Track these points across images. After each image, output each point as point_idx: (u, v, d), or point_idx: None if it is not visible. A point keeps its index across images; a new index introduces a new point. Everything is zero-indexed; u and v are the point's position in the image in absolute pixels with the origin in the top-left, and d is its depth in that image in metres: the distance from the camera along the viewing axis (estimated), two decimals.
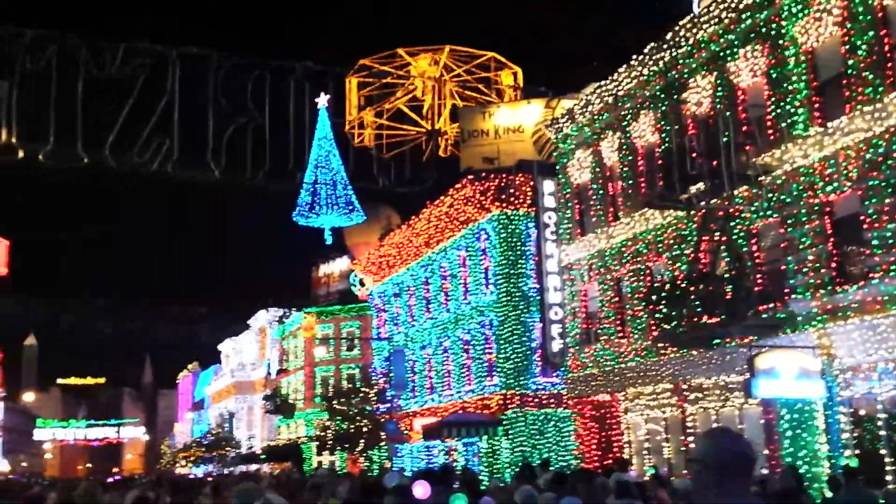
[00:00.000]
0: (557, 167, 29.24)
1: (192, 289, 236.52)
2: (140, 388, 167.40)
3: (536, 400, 31.97)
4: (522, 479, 11.59)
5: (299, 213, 65.08)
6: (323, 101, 61.91)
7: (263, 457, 59.56)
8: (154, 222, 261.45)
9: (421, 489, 6.38)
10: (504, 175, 33.36)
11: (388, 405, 42.31)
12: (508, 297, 32.73)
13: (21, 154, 15.32)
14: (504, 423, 31.80)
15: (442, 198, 35.97)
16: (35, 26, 14.80)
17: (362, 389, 45.41)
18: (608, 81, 24.96)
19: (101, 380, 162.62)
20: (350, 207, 66.64)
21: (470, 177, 34.13)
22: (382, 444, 41.28)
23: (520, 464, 20.51)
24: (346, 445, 44.86)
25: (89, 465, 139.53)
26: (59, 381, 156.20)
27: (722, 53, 20.84)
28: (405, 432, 39.10)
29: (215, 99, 15.72)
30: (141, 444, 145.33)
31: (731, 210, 20.05)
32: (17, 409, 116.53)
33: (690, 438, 21.76)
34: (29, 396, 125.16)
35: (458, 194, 34.78)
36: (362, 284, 56.35)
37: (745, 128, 19.88)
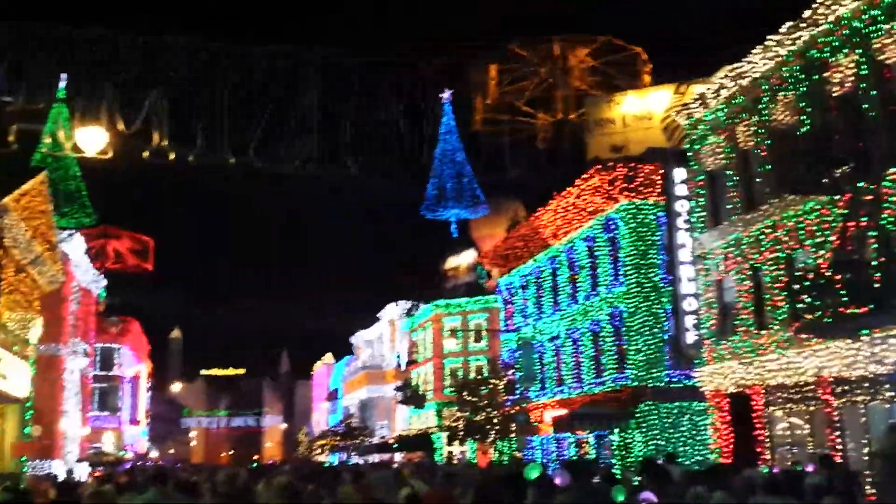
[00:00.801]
0: (689, 154, 28.46)
1: (325, 283, 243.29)
2: (278, 378, 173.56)
3: (670, 393, 31.29)
4: (654, 476, 11.10)
5: (426, 207, 66.01)
6: (447, 95, 62.63)
7: (396, 446, 60.73)
8: (291, 219, 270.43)
9: (562, 479, 6.37)
10: (633, 164, 32.75)
11: (517, 397, 42.36)
12: (639, 288, 32.15)
13: (172, 157, 16.18)
14: (636, 416, 31.28)
15: (569, 188, 35.63)
16: (183, 35, 15.59)
17: (491, 381, 45.62)
18: (742, 64, 24.07)
19: (242, 371, 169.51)
20: (476, 200, 67.02)
21: (597, 166, 33.69)
22: (512, 435, 41.35)
23: (651, 458, 19.98)
24: (477, 436, 45.19)
25: (231, 451, 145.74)
26: (203, 372, 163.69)
27: (865, 30, 19.76)
28: (535, 424, 39.04)
29: (351, 98, 16.20)
30: (279, 433, 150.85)
31: (880, 193, 19.01)
32: (164, 399, 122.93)
33: (837, 434, 20.81)
34: (176, 387, 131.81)
35: (585, 185, 34.38)
36: (489, 276, 56.57)
37: (892, 107, 18.81)
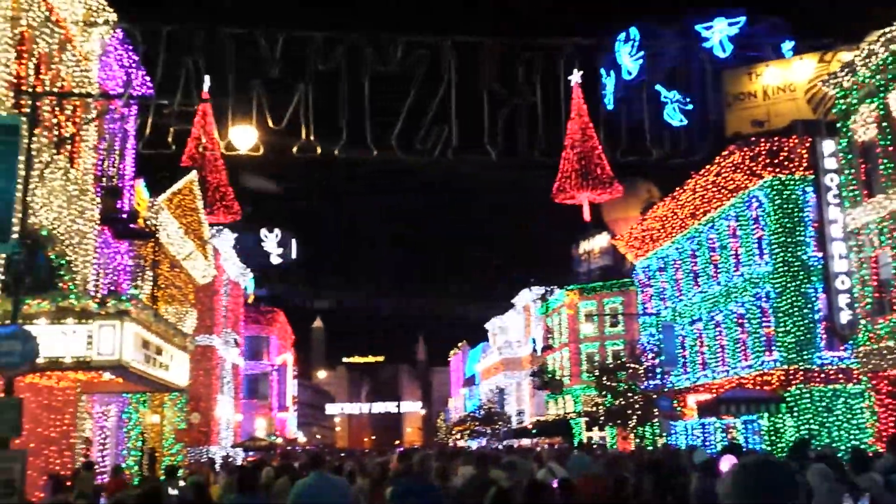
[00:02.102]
0: (837, 125, 27.10)
1: (459, 270, 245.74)
2: (415, 365, 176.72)
3: (823, 375, 30.00)
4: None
5: (558, 191, 65.58)
6: (576, 77, 61.81)
7: (534, 431, 60.79)
8: (424, 208, 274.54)
9: (729, 464, 6.24)
10: (776, 138, 31.47)
11: (659, 381, 41.59)
12: (786, 267, 30.92)
13: (318, 151, 16.74)
14: (787, 399, 30.15)
15: (707, 166, 34.58)
16: (324, 29, 16.08)
17: (630, 365, 44.96)
18: (894, 27, 22.71)
19: (381, 358, 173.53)
20: (607, 183, 66.08)
21: (738, 142, 32.55)
22: (654, 420, 40.66)
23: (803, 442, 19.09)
24: (618, 421, 44.67)
25: (373, 437, 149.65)
26: (344, 360, 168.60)
27: None
28: (678, 409, 38.24)
29: (489, 83, 16.25)
30: (418, 418, 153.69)
31: None
32: (310, 387, 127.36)
33: None
34: (321, 374, 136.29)
35: (724, 162, 33.29)
36: (624, 260, 55.69)
37: None
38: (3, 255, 15.75)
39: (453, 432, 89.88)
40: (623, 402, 43.20)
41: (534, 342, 72.26)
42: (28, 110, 16.62)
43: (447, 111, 17.09)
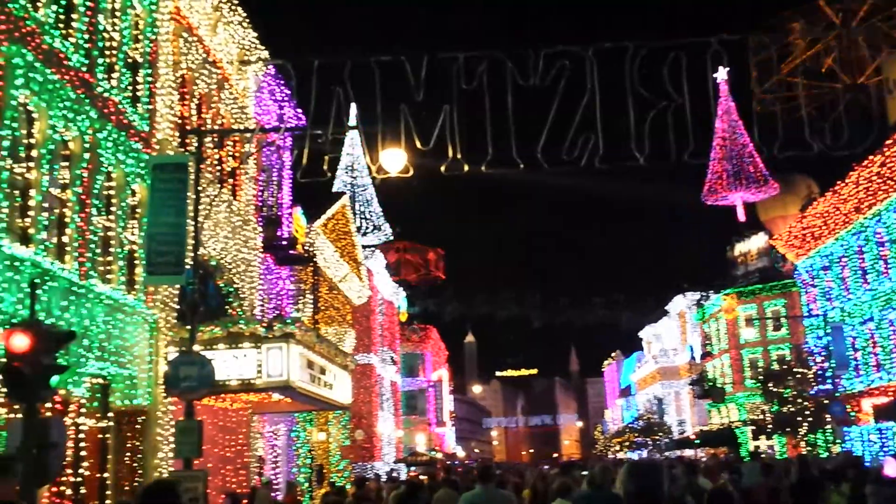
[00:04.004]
0: None
1: (609, 278, 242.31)
2: (568, 376, 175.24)
3: None
4: None
5: (708, 193, 63.49)
6: (722, 74, 59.88)
7: (697, 441, 58.91)
8: (571, 218, 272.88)
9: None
10: None
11: (829, 386, 39.46)
12: None
13: (466, 168, 17.06)
14: None
15: (871, 157, 32.68)
16: (465, 49, 16.43)
17: (798, 370, 42.86)
18: None
19: (534, 371, 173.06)
20: (762, 181, 63.45)
21: None
22: (827, 427, 38.57)
23: None
24: (787, 429, 42.64)
25: (531, 450, 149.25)
26: (497, 373, 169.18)
27: None
28: (852, 414, 36.16)
29: (634, 87, 16.09)
30: (575, 430, 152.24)
31: None
32: (465, 401, 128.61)
33: None
34: (475, 389, 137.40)
35: (889, 151, 31.39)
36: (784, 260, 53.27)
37: None
38: (178, 286, 16.83)
39: (612, 444, 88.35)
40: (792, 409, 41.21)
41: (691, 350, 70.17)
42: (193, 148, 17.75)
43: (592, 119, 16.98)
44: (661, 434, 73.03)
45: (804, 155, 19.54)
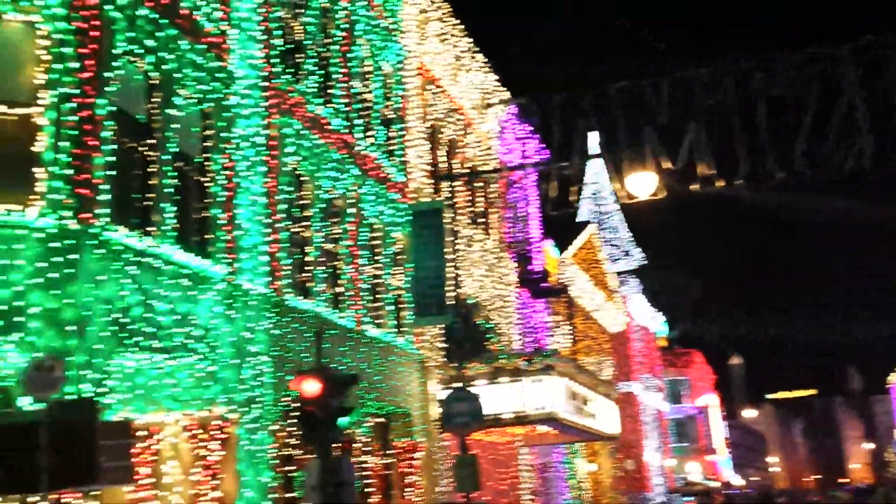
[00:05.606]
0: None
1: (880, 291, 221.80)
2: (849, 395, 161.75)
3: None
4: None
5: None
6: None
7: None
8: (834, 224, 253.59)
9: None
10: None
11: None
12: None
13: (721, 183, 16.52)
14: None
15: None
16: (709, 65, 15.99)
17: None
18: None
19: (812, 391, 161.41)
20: None
21: None
22: None
23: None
24: None
25: (817, 476, 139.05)
26: (768, 395, 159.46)
27: None
28: None
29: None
30: (864, 453, 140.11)
31: None
32: (737, 427, 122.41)
33: None
34: (746, 413, 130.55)
35: None
36: None
37: None
38: (442, 326, 17.57)
39: None
40: None
41: None
42: (446, 194, 18.58)
43: (852, 123, 15.79)
44: None
45: None
